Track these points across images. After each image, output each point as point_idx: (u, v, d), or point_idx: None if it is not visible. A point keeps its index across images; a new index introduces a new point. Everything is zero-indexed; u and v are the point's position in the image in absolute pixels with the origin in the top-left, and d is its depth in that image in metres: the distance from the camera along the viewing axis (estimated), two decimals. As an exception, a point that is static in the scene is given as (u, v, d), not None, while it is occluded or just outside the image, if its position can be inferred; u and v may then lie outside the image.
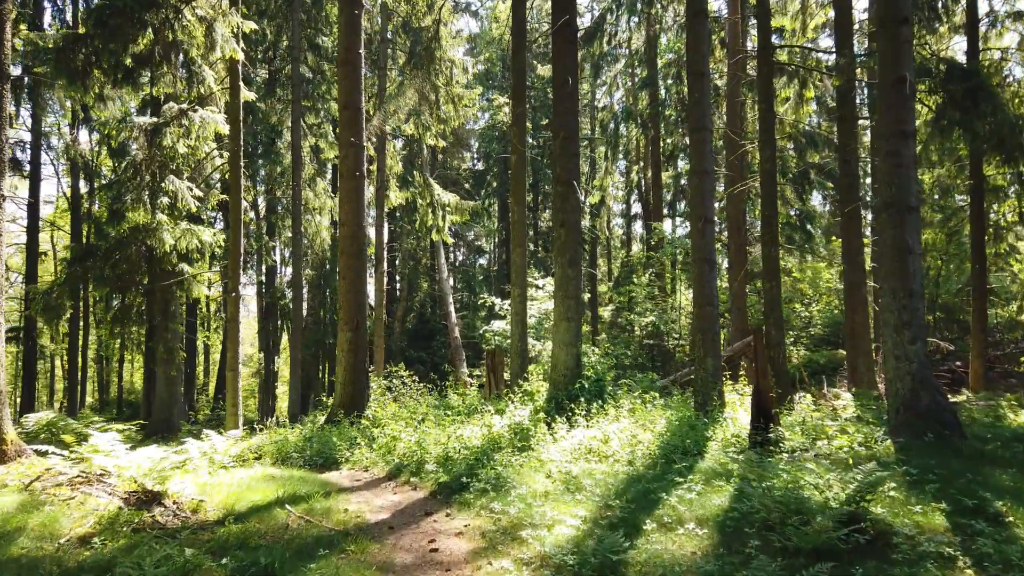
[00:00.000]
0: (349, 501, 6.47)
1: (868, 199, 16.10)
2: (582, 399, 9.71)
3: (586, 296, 28.65)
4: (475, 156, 39.07)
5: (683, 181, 30.05)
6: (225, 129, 12.11)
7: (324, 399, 14.17)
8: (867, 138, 19.54)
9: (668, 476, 6.40)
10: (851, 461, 5.63)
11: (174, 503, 5.74)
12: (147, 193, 11.64)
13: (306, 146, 23.78)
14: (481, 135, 36.96)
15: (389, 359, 23.55)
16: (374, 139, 21.64)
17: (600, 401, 9.71)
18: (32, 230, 23.12)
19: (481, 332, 24.21)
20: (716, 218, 11.20)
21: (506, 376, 13.74)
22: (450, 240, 24.92)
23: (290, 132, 21.78)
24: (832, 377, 18.03)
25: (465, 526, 5.47)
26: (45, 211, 32.16)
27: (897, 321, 7.26)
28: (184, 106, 11.83)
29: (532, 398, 10.56)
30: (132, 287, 12.94)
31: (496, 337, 20.97)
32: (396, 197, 23.07)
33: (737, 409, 10.17)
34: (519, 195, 12.14)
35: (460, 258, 40.29)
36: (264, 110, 22.71)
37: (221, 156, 13.52)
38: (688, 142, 25.90)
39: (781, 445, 7.39)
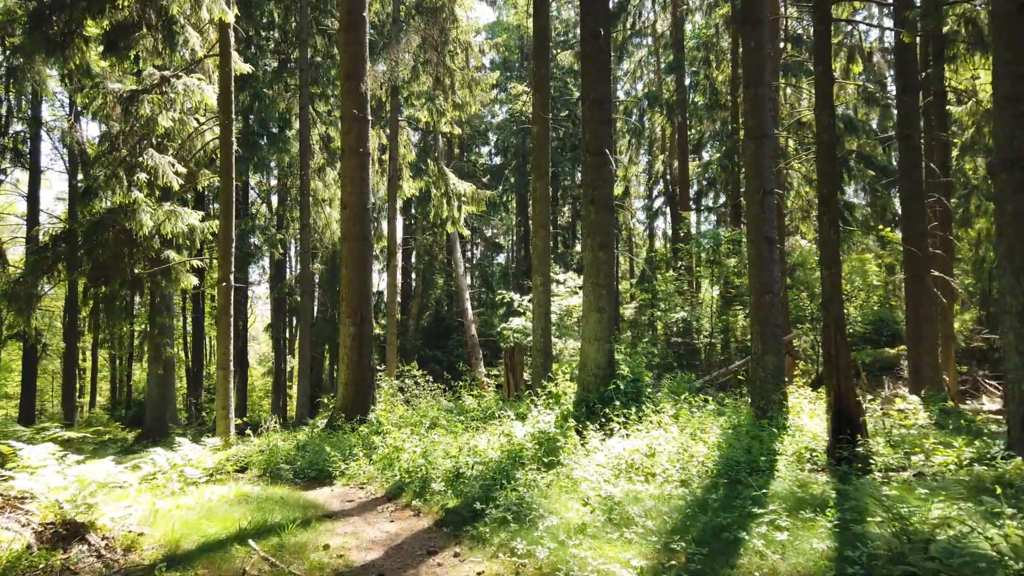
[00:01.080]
0: (333, 532, 5.14)
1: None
2: (617, 402, 8.29)
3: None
4: (492, 150, 37.75)
5: (709, 172, 28.46)
6: (214, 101, 10.86)
7: (326, 401, 12.90)
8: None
9: (738, 503, 5.01)
10: (999, 489, 4.17)
11: (102, 538, 4.44)
12: (123, 169, 10.38)
13: (315, 134, 22.58)
14: (499, 128, 35.59)
15: (403, 358, 22.26)
16: (385, 125, 20.43)
17: (638, 405, 8.29)
18: (31, 222, 22.16)
19: (499, 330, 22.86)
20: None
21: (526, 376, 12.44)
22: (466, 233, 23.58)
23: (298, 119, 20.60)
24: (882, 377, 16.56)
25: (479, 574, 4.11)
26: (60, 207, 31.43)
27: (1022, 309, 5.78)
28: (167, 73, 10.58)
29: (558, 401, 9.16)
30: (112, 275, 11.70)
31: (515, 335, 19.62)
32: (409, 187, 21.80)
33: (799, 415, 8.72)
34: (542, 168, 10.72)
35: (478, 254, 38.90)
36: (272, 96, 21.56)
37: (212, 132, 12.30)
38: (715, 127, 24.52)
39: (872, 462, 5.95)
